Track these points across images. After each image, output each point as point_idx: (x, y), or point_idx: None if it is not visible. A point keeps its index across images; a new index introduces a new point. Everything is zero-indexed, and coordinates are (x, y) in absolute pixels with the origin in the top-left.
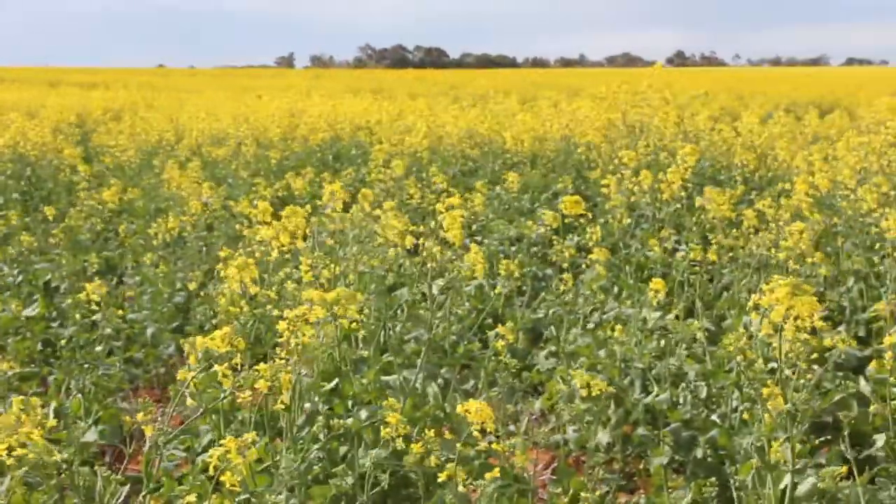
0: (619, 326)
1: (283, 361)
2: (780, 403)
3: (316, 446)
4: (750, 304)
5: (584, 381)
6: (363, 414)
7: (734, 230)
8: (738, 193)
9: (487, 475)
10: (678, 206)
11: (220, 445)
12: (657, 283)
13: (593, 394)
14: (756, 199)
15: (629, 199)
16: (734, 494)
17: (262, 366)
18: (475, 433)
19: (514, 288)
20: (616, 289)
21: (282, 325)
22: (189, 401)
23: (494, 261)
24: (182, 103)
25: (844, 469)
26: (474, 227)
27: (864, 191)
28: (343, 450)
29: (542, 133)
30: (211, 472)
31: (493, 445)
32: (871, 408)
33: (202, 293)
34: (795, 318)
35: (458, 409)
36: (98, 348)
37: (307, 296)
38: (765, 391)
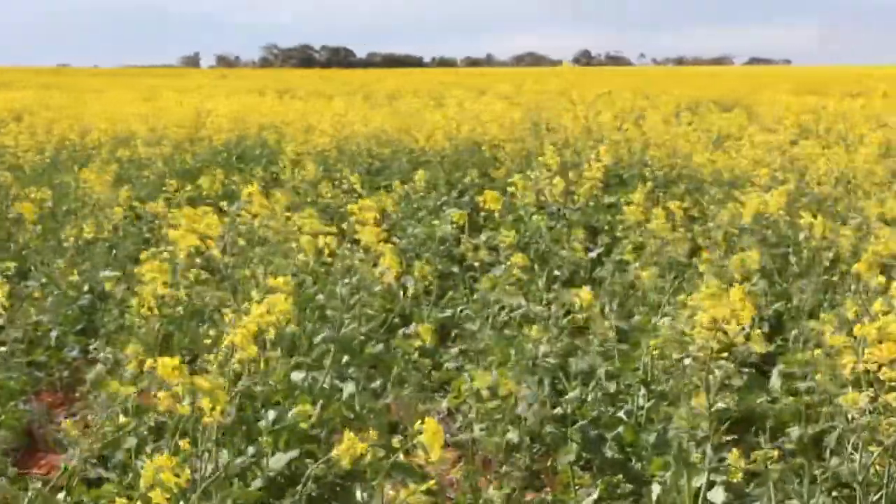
0: (527, 324)
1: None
2: (700, 400)
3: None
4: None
5: (490, 382)
6: (271, 415)
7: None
8: (647, 191)
9: (423, 485)
10: (590, 205)
11: (151, 460)
12: (583, 292)
13: (503, 392)
14: (664, 197)
15: (540, 199)
16: (649, 491)
17: (199, 380)
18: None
19: (423, 287)
20: (527, 287)
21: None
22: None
23: (403, 260)
24: (85, 103)
25: (776, 452)
26: (384, 226)
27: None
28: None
29: (450, 132)
30: (142, 488)
31: (427, 463)
32: (780, 403)
33: (110, 296)
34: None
35: (415, 427)
36: (2, 349)
37: (246, 306)
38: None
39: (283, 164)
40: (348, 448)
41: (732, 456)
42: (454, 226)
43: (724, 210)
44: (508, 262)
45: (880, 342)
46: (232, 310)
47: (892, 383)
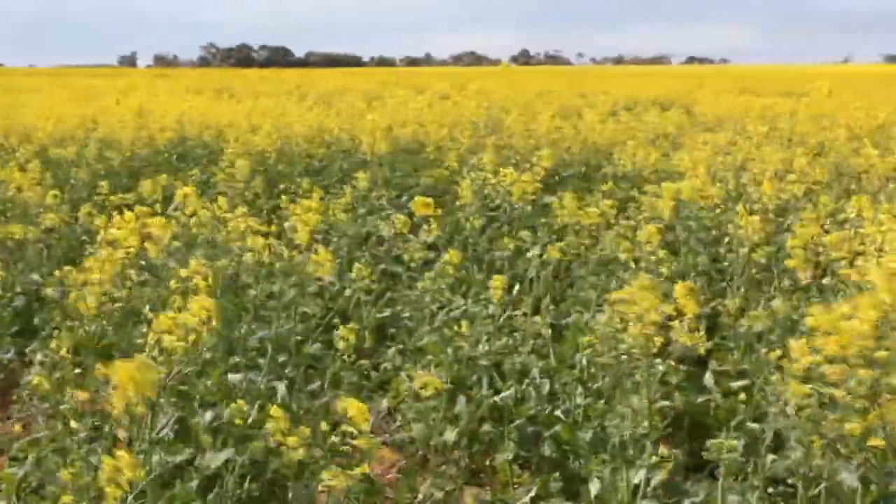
0: (464, 323)
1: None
2: (639, 398)
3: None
4: (610, 299)
5: (422, 382)
6: (208, 415)
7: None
8: (605, 189)
9: (357, 469)
10: (529, 205)
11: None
12: (498, 279)
13: (429, 392)
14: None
15: (484, 200)
16: (587, 488)
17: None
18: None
19: (363, 287)
20: (465, 287)
21: (155, 331)
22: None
23: (344, 260)
24: (21, 103)
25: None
26: (324, 226)
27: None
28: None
29: (391, 132)
30: (94, 490)
31: (358, 442)
32: (715, 401)
33: (44, 296)
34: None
35: (338, 406)
36: None
37: (173, 299)
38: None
39: (222, 165)
40: (275, 429)
41: (668, 453)
42: (394, 226)
43: (645, 199)
44: (442, 261)
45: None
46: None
47: (837, 378)
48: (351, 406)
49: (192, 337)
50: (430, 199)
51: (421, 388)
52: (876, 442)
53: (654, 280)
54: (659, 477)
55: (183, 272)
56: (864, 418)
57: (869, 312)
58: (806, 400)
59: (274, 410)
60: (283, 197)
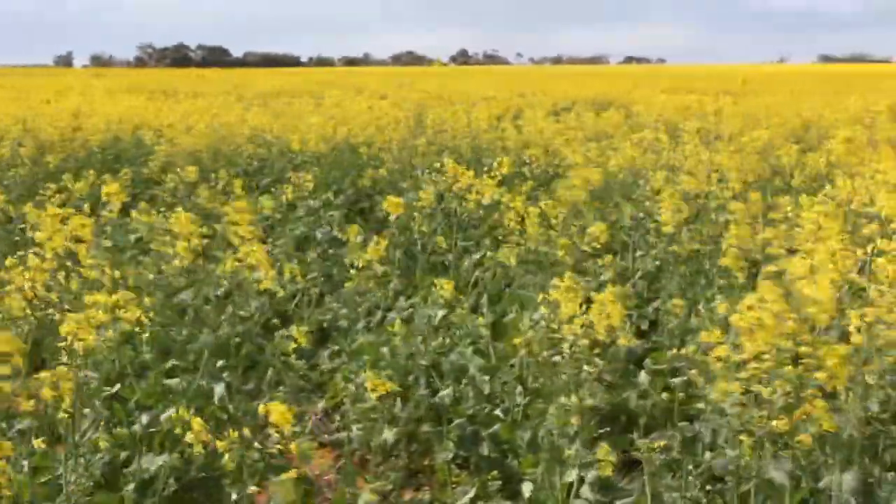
0: (401, 323)
1: (65, 366)
2: (572, 397)
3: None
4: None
5: (373, 382)
6: (145, 419)
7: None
8: (526, 189)
9: (283, 475)
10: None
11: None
12: (445, 283)
13: (377, 394)
14: (541, 195)
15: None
16: (522, 488)
17: (43, 373)
18: (274, 434)
19: (302, 288)
20: (407, 287)
21: (67, 328)
22: None
23: (283, 262)
24: None
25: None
26: (264, 227)
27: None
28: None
29: (329, 132)
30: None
31: (292, 446)
32: (651, 399)
33: None
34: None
35: (260, 409)
36: None
37: (90, 299)
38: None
39: (157, 165)
40: (196, 435)
41: (603, 451)
42: (342, 233)
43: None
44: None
45: (752, 332)
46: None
47: (763, 375)
48: (273, 410)
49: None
50: (398, 200)
51: (371, 391)
52: (803, 438)
53: (578, 281)
54: (593, 475)
55: (117, 274)
56: (791, 415)
57: (775, 303)
58: (732, 398)
59: (196, 422)
60: (220, 198)
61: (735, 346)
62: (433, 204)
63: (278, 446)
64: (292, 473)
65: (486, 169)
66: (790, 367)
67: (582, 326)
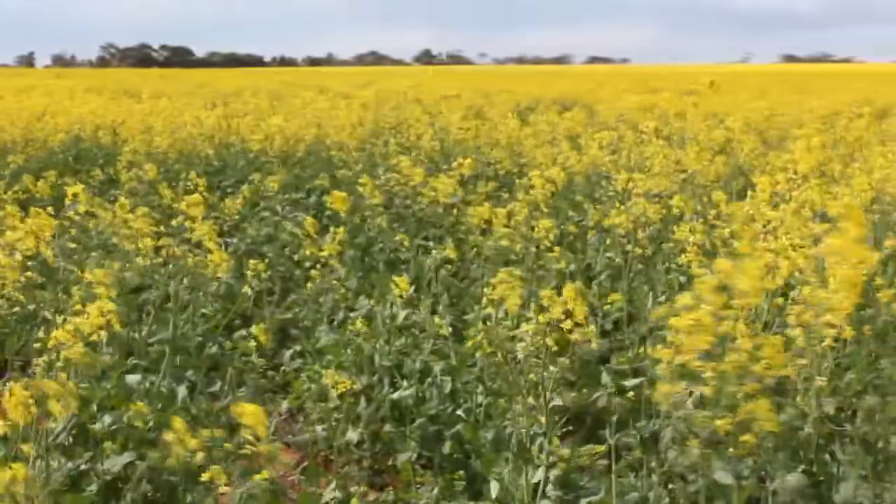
0: (360, 323)
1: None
2: (537, 397)
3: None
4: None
5: (334, 380)
6: (107, 419)
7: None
8: (489, 189)
9: (255, 476)
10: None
11: None
12: (400, 280)
13: (339, 392)
14: (505, 194)
15: (386, 199)
16: (488, 487)
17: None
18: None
19: (264, 288)
20: (367, 287)
21: (61, 334)
22: None
23: (245, 261)
24: None
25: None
26: (226, 227)
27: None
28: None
29: (293, 133)
30: None
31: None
32: (614, 399)
33: None
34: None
35: (233, 410)
36: None
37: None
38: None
39: (120, 166)
40: (177, 440)
41: (568, 451)
42: (301, 230)
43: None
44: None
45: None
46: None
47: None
48: (247, 411)
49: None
50: (343, 195)
51: (334, 389)
52: (747, 438)
53: (516, 276)
54: (558, 474)
55: (87, 276)
56: (734, 415)
57: (712, 300)
58: (676, 398)
59: (176, 422)
60: (182, 197)
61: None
62: (384, 202)
63: (250, 447)
64: (264, 474)
65: (446, 167)
66: (729, 364)
67: (546, 324)
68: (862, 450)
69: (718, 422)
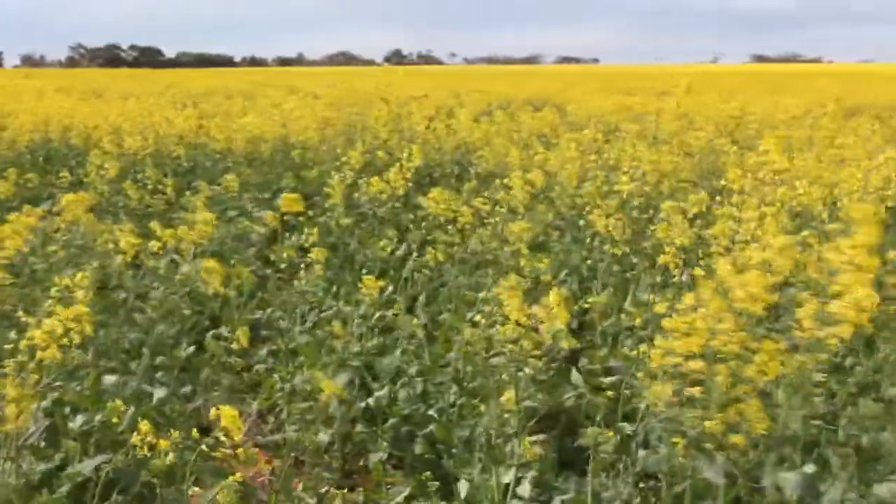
0: (336, 324)
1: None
2: (509, 397)
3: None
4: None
5: (320, 384)
6: (79, 420)
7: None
8: (469, 189)
9: (230, 478)
10: (398, 204)
11: None
12: (371, 280)
13: (318, 395)
14: (475, 195)
15: (350, 198)
16: (457, 488)
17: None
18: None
19: (234, 288)
20: (336, 287)
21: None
22: None
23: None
24: None
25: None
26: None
27: (565, 174)
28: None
29: (261, 133)
30: None
31: (240, 450)
32: (587, 399)
33: None
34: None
35: (212, 413)
36: None
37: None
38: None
39: (89, 167)
40: (143, 438)
41: (537, 451)
42: (267, 228)
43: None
44: (312, 261)
45: (687, 335)
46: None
47: (696, 376)
48: (224, 414)
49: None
50: (298, 196)
51: (319, 392)
52: (736, 439)
53: (520, 280)
54: (530, 474)
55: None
56: (724, 415)
57: (712, 305)
58: (666, 398)
59: (143, 425)
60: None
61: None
62: (343, 201)
63: (225, 449)
64: (238, 476)
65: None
66: (722, 366)
67: (525, 328)
68: (853, 451)
69: (708, 422)
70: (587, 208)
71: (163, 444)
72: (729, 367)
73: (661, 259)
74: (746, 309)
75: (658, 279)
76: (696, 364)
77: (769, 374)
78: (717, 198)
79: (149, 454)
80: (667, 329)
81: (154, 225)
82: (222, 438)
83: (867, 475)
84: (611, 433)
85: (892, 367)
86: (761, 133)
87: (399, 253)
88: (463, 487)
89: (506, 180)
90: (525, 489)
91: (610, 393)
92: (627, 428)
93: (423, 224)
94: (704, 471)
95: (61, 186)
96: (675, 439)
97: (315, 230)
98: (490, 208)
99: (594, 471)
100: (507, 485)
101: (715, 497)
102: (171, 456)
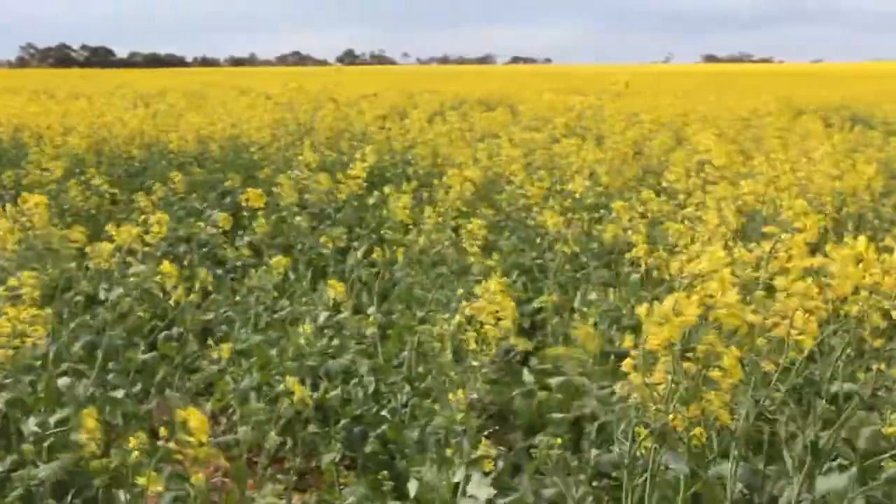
0: (288, 324)
1: None
2: (458, 396)
3: None
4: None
5: (291, 387)
6: (31, 423)
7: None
8: (412, 189)
9: (193, 479)
10: (354, 203)
11: None
12: (335, 283)
13: (295, 398)
14: (426, 195)
15: (302, 198)
16: (408, 487)
17: None
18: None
19: (184, 289)
20: (289, 287)
21: None
22: None
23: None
24: None
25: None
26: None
27: (521, 180)
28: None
29: (210, 133)
30: None
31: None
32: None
33: None
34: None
35: (177, 416)
36: None
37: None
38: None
39: (28, 167)
40: (90, 433)
41: (486, 448)
42: (219, 228)
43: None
44: (268, 262)
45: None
46: None
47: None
48: (191, 417)
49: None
50: (260, 192)
51: (289, 393)
52: (699, 432)
53: (504, 284)
54: (479, 473)
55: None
56: (687, 410)
57: (692, 307)
58: (631, 392)
59: (89, 422)
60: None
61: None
62: (297, 200)
63: (191, 450)
64: (200, 477)
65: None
66: (687, 363)
67: (479, 326)
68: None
69: (671, 417)
70: (535, 208)
71: (132, 442)
72: (693, 366)
73: (632, 253)
74: (722, 317)
75: (605, 274)
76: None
77: (733, 378)
78: (663, 197)
79: (96, 456)
80: (639, 322)
81: (108, 227)
82: (188, 439)
83: (812, 470)
84: (558, 440)
85: (831, 366)
86: (707, 133)
87: (352, 252)
88: (412, 486)
89: (444, 179)
90: (475, 488)
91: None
92: (576, 427)
93: (375, 223)
94: (670, 463)
95: (7, 187)
96: (638, 430)
97: (262, 221)
98: (433, 209)
99: (538, 470)
100: (457, 484)
101: (676, 491)
102: (130, 456)
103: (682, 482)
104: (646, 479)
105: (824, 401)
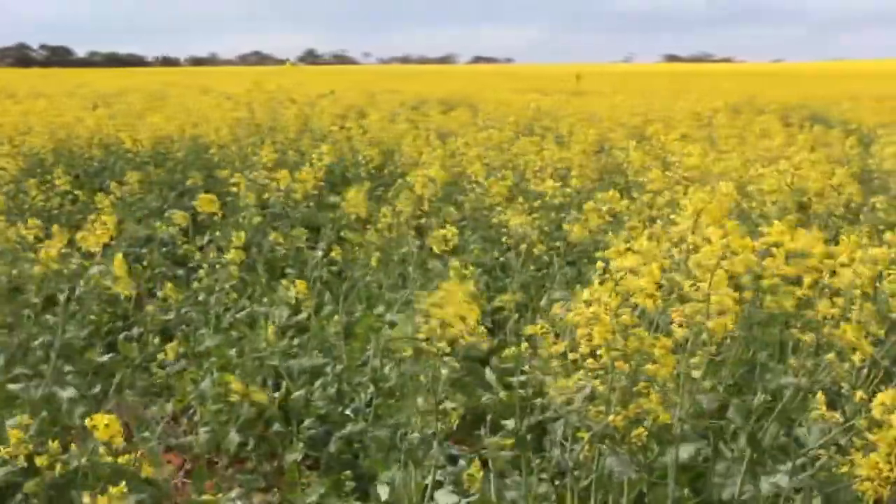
0: (248, 324)
1: None
2: (426, 397)
3: None
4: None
5: (237, 387)
6: None
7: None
8: (366, 189)
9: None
10: (310, 204)
11: None
12: (299, 283)
13: (231, 397)
14: (383, 194)
15: (261, 198)
16: (375, 488)
17: None
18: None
19: (146, 289)
20: (249, 287)
21: None
22: None
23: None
24: None
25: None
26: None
27: (490, 183)
28: None
29: (169, 133)
30: None
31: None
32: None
33: None
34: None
35: (87, 422)
36: None
37: None
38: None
39: None
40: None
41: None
42: (177, 227)
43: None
44: (227, 262)
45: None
46: None
47: (598, 371)
48: (97, 421)
49: None
50: (214, 196)
51: (234, 395)
52: (638, 432)
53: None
54: (449, 476)
55: None
56: (626, 409)
57: (608, 298)
58: (569, 394)
59: (13, 434)
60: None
61: (570, 343)
62: (255, 201)
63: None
64: (121, 488)
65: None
66: (622, 362)
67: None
68: (748, 445)
69: (611, 416)
70: (498, 207)
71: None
72: (628, 363)
73: (606, 254)
74: (640, 302)
75: (570, 273)
76: (599, 359)
77: (666, 370)
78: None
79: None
80: (571, 322)
81: (63, 226)
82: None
83: (755, 468)
84: (510, 442)
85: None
86: (665, 131)
87: (311, 252)
88: (383, 490)
89: (408, 178)
90: (441, 492)
91: (521, 391)
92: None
93: (335, 223)
94: (613, 466)
95: None
96: (580, 433)
97: (242, 233)
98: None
99: (499, 472)
100: (425, 487)
101: (620, 491)
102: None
103: (625, 483)
104: (590, 482)
105: (764, 395)
